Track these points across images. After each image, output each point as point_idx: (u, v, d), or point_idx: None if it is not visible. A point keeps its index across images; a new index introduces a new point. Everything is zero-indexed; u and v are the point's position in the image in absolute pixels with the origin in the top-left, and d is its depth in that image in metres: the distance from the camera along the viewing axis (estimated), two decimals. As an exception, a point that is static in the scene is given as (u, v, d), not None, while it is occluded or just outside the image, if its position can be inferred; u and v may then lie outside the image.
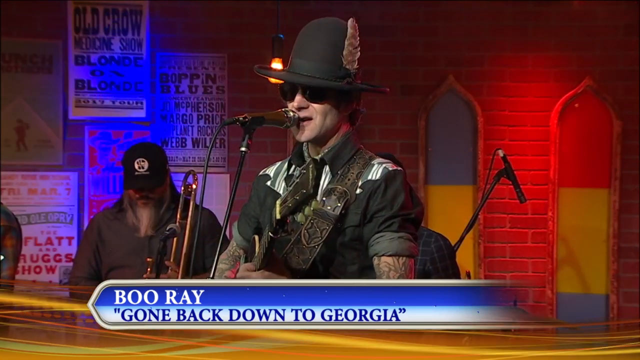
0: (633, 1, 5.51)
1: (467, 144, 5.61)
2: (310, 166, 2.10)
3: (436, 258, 3.77)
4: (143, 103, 5.52)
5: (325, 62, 2.41)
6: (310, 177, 2.08)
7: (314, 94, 2.41)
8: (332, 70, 2.41)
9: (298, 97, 2.42)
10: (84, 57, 5.48)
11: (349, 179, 2.41)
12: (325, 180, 2.44)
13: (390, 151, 5.14)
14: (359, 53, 2.46)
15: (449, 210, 5.53)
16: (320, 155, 2.46)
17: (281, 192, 2.51)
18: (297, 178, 2.14)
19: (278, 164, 2.62)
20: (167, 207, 4.06)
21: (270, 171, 2.61)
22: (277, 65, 4.92)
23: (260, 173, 2.64)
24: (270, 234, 2.17)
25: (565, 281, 5.57)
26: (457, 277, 3.90)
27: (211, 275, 2.36)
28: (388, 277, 2.32)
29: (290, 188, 2.13)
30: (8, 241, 3.70)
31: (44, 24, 5.53)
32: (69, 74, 5.48)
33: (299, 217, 2.12)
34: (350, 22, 2.45)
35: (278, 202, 2.12)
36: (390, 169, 2.42)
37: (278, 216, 2.11)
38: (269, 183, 2.57)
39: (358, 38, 2.45)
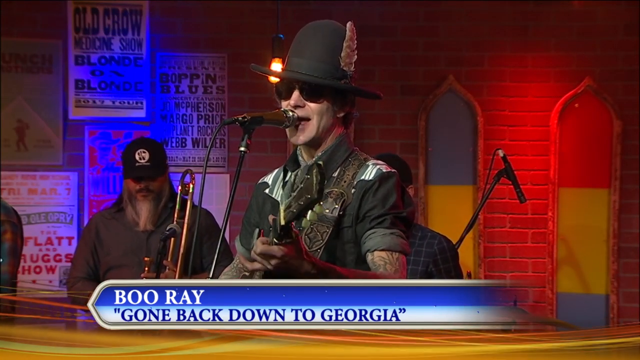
0: (633, 1, 5.51)
1: (467, 144, 5.60)
2: (314, 171, 2.09)
3: (439, 260, 3.77)
4: (143, 103, 5.52)
5: (323, 62, 2.42)
6: (315, 182, 2.07)
7: (311, 93, 2.42)
8: (330, 70, 2.43)
9: (295, 96, 2.43)
10: (84, 57, 5.48)
11: (345, 181, 2.42)
12: None
13: (390, 151, 5.16)
14: (356, 56, 2.47)
15: (449, 210, 5.53)
16: (313, 160, 2.46)
17: (278, 199, 2.51)
18: (300, 183, 2.12)
19: (276, 171, 2.62)
20: (165, 204, 4.07)
21: (269, 179, 2.61)
22: (277, 65, 4.91)
23: (260, 181, 2.64)
24: (275, 240, 2.16)
25: (565, 281, 5.57)
26: (460, 278, 3.90)
27: (210, 276, 2.36)
28: (385, 270, 2.31)
29: (294, 193, 2.11)
30: (7, 235, 3.66)
31: (44, 24, 5.53)
32: (69, 74, 5.48)
33: (303, 222, 2.10)
34: (348, 25, 2.47)
35: (282, 207, 2.10)
36: (384, 170, 2.43)
37: (282, 222, 2.09)
38: (267, 191, 2.58)
39: (356, 41, 2.46)
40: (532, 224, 5.59)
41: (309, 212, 2.07)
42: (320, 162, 2.40)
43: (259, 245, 2.18)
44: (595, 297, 5.56)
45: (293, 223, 2.10)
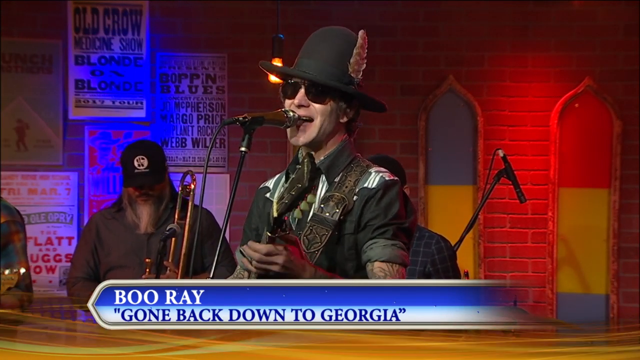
0: (633, 1, 5.51)
1: (467, 144, 5.60)
2: (306, 160, 2.10)
3: (437, 259, 3.78)
4: (143, 103, 5.52)
5: (332, 65, 2.43)
6: (306, 171, 2.08)
7: (317, 93, 2.42)
8: (337, 74, 2.43)
9: (300, 95, 2.42)
10: (84, 57, 5.48)
11: (346, 187, 2.41)
12: (322, 189, 2.44)
13: (390, 151, 5.16)
14: (365, 65, 2.47)
15: (449, 210, 5.53)
16: (316, 165, 2.46)
17: None
18: (293, 174, 2.14)
19: (277, 176, 2.62)
20: (166, 206, 4.06)
21: (270, 183, 2.61)
22: (277, 65, 4.91)
23: (261, 186, 2.64)
24: (268, 233, 2.17)
25: (565, 281, 5.57)
26: (458, 278, 3.90)
27: (210, 276, 2.36)
28: None
29: (287, 185, 2.13)
30: (15, 236, 3.65)
31: (44, 24, 5.53)
32: (69, 74, 5.48)
33: (296, 212, 2.12)
34: (361, 32, 2.49)
35: (275, 200, 2.11)
36: (387, 178, 2.43)
37: (275, 214, 2.10)
38: (268, 195, 2.57)
39: (366, 50, 2.47)
40: (532, 224, 5.59)
41: (302, 202, 2.09)
42: (312, 153, 2.41)
43: (262, 249, 2.17)
44: (595, 297, 5.56)
45: (287, 217, 2.11)
